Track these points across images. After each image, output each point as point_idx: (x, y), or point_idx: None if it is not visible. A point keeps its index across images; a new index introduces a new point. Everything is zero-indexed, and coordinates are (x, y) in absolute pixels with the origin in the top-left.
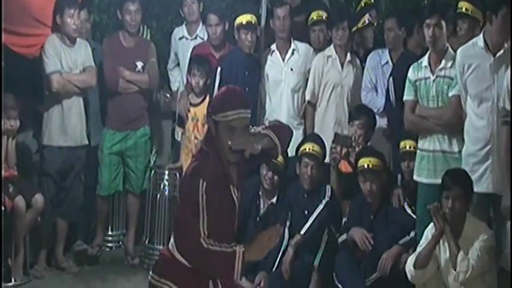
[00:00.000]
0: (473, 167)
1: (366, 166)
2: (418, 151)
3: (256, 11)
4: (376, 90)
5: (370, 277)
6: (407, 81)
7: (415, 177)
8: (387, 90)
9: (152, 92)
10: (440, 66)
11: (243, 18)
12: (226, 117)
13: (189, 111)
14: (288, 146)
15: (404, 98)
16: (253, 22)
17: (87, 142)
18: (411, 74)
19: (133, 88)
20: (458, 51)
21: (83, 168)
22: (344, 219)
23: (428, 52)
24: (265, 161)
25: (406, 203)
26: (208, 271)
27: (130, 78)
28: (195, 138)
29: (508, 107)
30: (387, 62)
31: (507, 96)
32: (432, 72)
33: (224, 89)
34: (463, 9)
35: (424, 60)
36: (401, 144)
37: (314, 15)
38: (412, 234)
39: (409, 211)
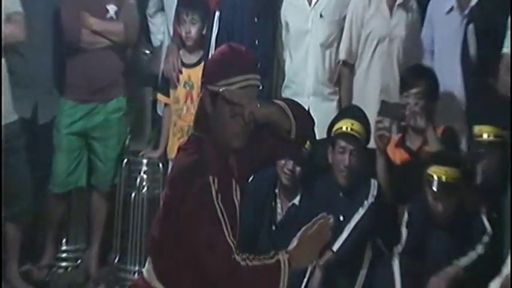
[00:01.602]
0: None
1: (436, 178)
2: None
3: None
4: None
5: None
6: (506, 28)
7: None
8: (463, 43)
9: (127, 48)
10: None
11: None
12: (229, 86)
13: (180, 72)
14: (307, 133)
15: (504, 50)
16: None
17: (16, 117)
18: None
19: (102, 42)
20: None
21: (22, 156)
22: (403, 232)
23: None
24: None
25: (483, 211)
26: None
27: (99, 28)
28: (188, 111)
29: None
30: (452, 8)
31: None
32: None
33: (225, 48)
34: None
35: None
36: (476, 130)
37: None
38: (480, 249)
39: (485, 221)
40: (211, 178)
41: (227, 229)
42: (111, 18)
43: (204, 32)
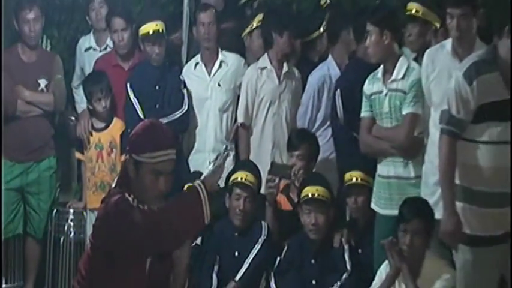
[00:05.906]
0: (432, 188)
1: (311, 195)
2: (376, 177)
3: (165, 15)
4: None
5: None
6: (363, 95)
7: (372, 206)
8: (333, 105)
9: (56, 115)
10: (392, 77)
11: (149, 28)
12: (152, 159)
13: (91, 135)
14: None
15: (361, 114)
16: (160, 30)
17: None
18: (366, 87)
19: (35, 111)
20: (425, 54)
21: None
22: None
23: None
24: None
25: (347, 245)
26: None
27: (32, 99)
28: (99, 169)
29: (454, 111)
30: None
31: (454, 100)
32: (385, 85)
33: (148, 124)
34: (413, 12)
35: (379, 72)
36: (347, 176)
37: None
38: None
39: (346, 255)
40: (127, 194)
41: (147, 209)
42: (42, 90)
43: (109, 102)
